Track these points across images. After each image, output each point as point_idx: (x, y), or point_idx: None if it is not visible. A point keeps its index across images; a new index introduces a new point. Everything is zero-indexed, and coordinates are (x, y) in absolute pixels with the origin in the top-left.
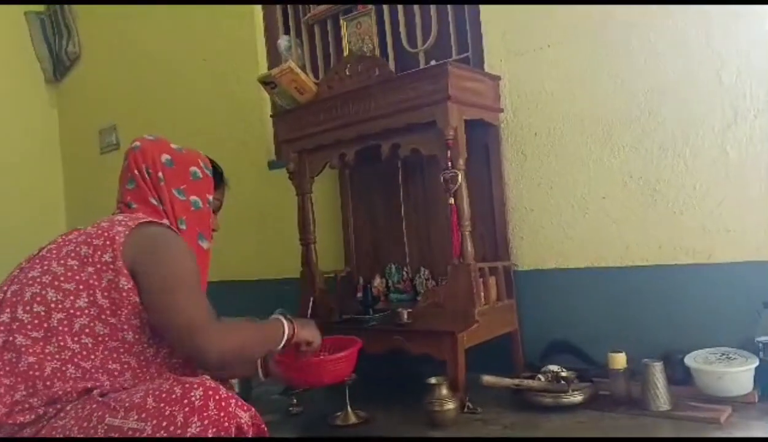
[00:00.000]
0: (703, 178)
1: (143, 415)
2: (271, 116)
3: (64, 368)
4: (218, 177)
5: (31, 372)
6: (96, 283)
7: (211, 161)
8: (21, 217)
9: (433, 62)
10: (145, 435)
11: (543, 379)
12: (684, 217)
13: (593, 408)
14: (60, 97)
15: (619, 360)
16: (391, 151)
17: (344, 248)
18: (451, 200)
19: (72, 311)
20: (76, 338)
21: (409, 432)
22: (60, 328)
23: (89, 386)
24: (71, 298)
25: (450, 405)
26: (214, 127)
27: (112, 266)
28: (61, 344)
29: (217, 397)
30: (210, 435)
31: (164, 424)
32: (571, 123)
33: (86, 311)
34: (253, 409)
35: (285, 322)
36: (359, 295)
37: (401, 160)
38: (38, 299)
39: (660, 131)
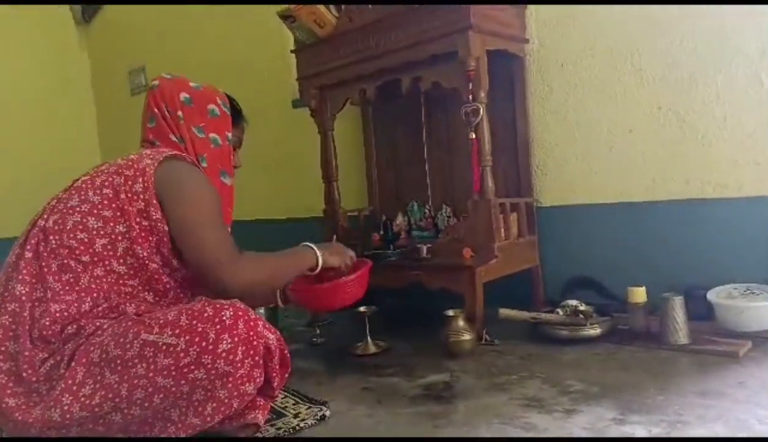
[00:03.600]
0: (735, 109)
1: (177, 331)
2: (291, 52)
3: (116, 288)
4: (237, 114)
5: (92, 286)
6: (130, 209)
7: (230, 98)
8: (55, 158)
9: None
10: (179, 349)
11: (561, 313)
12: (713, 150)
13: (611, 341)
14: (90, 39)
15: (639, 294)
16: (412, 84)
17: (367, 187)
18: (472, 135)
19: (113, 236)
20: (121, 261)
21: (427, 361)
22: (104, 252)
23: (132, 306)
24: (111, 224)
25: (467, 336)
26: (240, 67)
27: (143, 196)
28: (108, 267)
29: (246, 317)
30: (239, 352)
31: (197, 340)
32: (599, 53)
33: (126, 235)
34: (278, 333)
35: (315, 248)
36: (381, 232)
37: (424, 95)
38: (80, 227)
39: (691, 60)
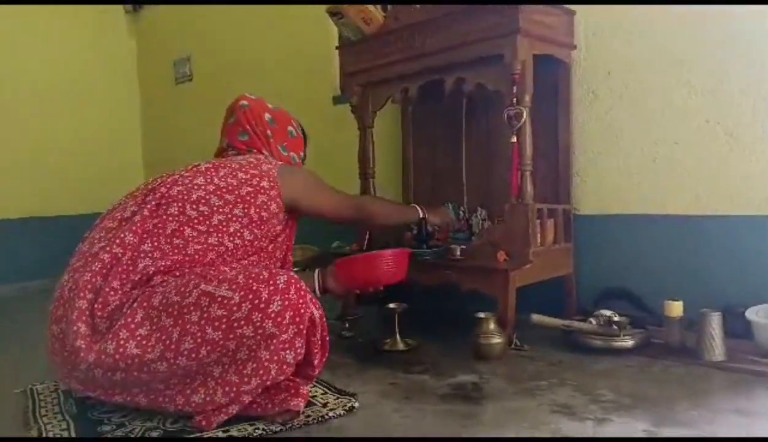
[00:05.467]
0: None
1: (233, 286)
2: (336, 48)
3: (219, 260)
4: (305, 136)
5: (197, 257)
6: (251, 200)
7: (297, 121)
8: (100, 143)
9: None
10: (233, 303)
11: (594, 322)
12: (761, 166)
13: (644, 354)
14: (138, 27)
15: (676, 308)
16: (455, 85)
17: (403, 185)
18: (514, 138)
19: (230, 216)
20: (231, 238)
21: (455, 361)
22: (220, 227)
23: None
24: (230, 206)
25: (497, 340)
26: (282, 62)
27: (268, 192)
28: (220, 239)
29: (298, 286)
30: (287, 316)
31: (250, 297)
32: (647, 63)
33: (241, 220)
34: (323, 314)
35: (419, 207)
36: (414, 231)
37: (465, 97)
38: (203, 201)
39: (743, 73)
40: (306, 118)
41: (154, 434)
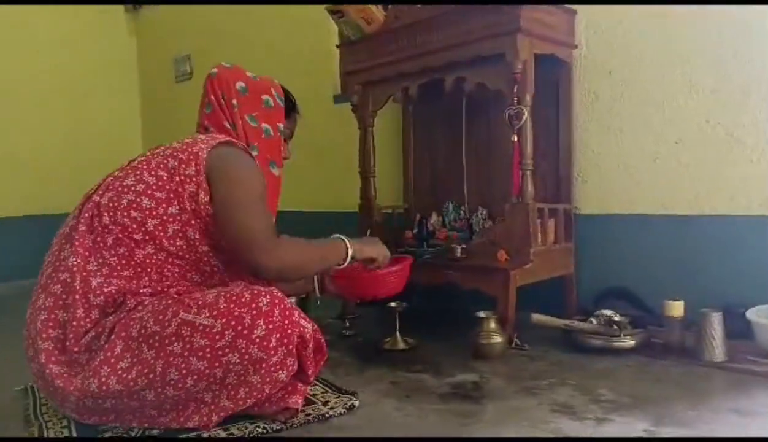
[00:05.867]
0: None
1: (215, 313)
2: (337, 46)
3: (165, 267)
4: (290, 106)
5: (147, 261)
6: (182, 191)
7: (285, 91)
8: (100, 141)
9: None
10: (215, 331)
11: (595, 322)
12: (761, 167)
13: (644, 354)
14: (138, 25)
15: (677, 308)
16: (455, 84)
17: (403, 184)
18: (515, 138)
19: (165, 217)
20: (171, 241)
21: (455, 361)
22: (156, 232)
23: (175, 288)
24: (164, 205)
25: (497, 339)
26: (283, 60)
27: (194, 179)
28: (158, 245)
29: (282, 306)
30: (273, 340)
31: (233, 323)
32: (649, 63)
33: (178, 217)
34: (314, 323)
35: (346, 241)
36: (415, 230)
37: (465, 97)
38: (134, 205)
39: (744, 73)
40: (307, 117)
41: (154, 433)
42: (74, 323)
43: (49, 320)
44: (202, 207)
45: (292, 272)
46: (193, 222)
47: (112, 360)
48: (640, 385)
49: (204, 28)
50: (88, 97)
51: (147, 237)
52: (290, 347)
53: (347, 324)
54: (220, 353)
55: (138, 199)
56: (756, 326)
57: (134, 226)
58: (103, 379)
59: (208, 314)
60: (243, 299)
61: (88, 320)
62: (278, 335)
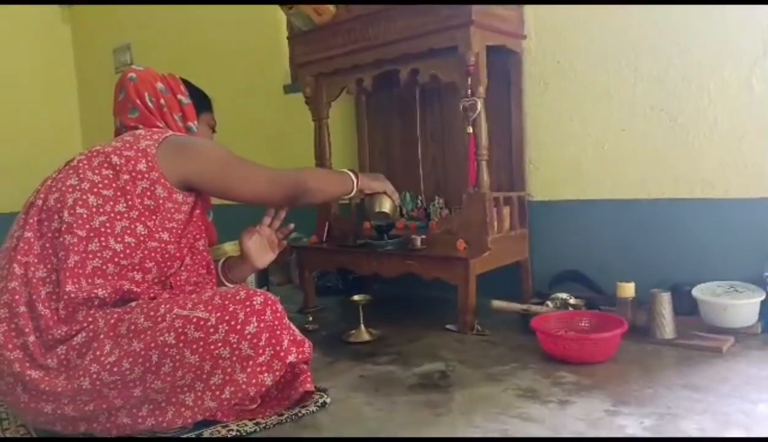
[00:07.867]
0: (726, 112)
1: (209, 308)
2: (287, 38)
3: (104, 267)
4: (206, 101)
5: (76, 269)
6: (131, 189)
7: (190, 85)
8: (37, 134)
9: None
10: (209, 324)
11: (551, 305)
12: (703, 151)
13: None
14: (73, 14)
15: (628, 289)
16: (410, 76)
17: None
18: (470, 129)
19: (112, 215)
20: (118, 239)
21: (420, 350)
22: (101, 229)
23: (125, 284)
24: (111, 203)
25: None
26: (229, 50)
27: (147, 175)
28: (103, 243)
29: (274, 308)
30: (263, 338)
31: (227, 318)
32: (596, 51)
33: (126, 214)
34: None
35: (353, 175)
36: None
37: (419, 87)
38: (80, 203)
39: (686, 62)
40: (257, 107)
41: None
42: (42, 323)
43: (10, 331)
44: (161, 202)
45: (317, 194)
46: (143, 218)
47: (102, 358)
48: (598, 366)
49: (145, 17)
50: (20, 90)
51: (92, 234)
52: (278, 348)
53: (310, 318)
54: (212, 346)
55: (84, 197)
56: (701, 303)
57: (80, 221)
58: (94, 375)
59: (203, 309)
60: (238, 297)
61: (52, 322)
62: (268, 335)
